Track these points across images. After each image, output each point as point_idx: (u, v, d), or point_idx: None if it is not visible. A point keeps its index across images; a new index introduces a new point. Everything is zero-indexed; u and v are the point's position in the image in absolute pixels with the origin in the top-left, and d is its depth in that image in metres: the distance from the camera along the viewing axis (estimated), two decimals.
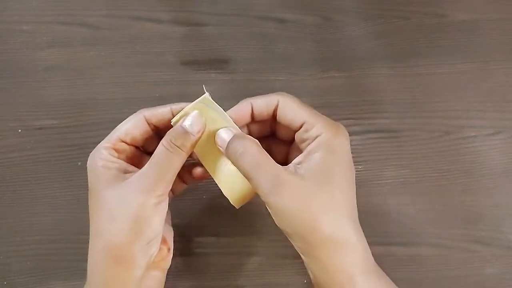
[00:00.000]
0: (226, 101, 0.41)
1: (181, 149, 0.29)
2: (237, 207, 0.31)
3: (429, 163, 0.41)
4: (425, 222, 0.40)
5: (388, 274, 0.39)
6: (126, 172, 0.30)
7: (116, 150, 0.31)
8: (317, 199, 0.27)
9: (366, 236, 0.40)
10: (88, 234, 0.39)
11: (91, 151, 0.39)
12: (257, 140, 0.29)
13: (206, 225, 0.40)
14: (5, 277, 0.38)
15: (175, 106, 0.31)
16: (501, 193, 0.41)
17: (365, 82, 0.44)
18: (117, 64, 0.44)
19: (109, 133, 0.42)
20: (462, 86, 0.44)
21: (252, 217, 0.40)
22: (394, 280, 0.37)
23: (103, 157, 0.30)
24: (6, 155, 0.41)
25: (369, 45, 0.45)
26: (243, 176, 0.29)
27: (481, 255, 0.39)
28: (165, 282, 0.37)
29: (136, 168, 0.30)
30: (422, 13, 0.46)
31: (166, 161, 0.28)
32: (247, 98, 0.31)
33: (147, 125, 0.31)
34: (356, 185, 0.41)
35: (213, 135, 0.30)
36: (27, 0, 0.46)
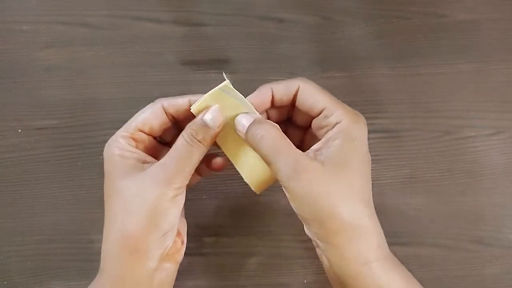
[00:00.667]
0: None
1: (201, 143, 0.29)
2: (257, 193, 0.32)
3: (429, 163, 0.41)
4: (425, 222, 0.40)
5: None
6: (144, 162, 0.29)
7: (134, 140, 0.30)
8: (337, 186, 0.27)
9: None
10: (88, 234, 0.39)
11: (91, 151, 0.39)
12: (277, 125, 0.29)
13: (206, 225, 0.40)
14: (5, 277, 0.38)
15: (194, 98, 0.30)
16: (501, 193, 0.41)
17: (365, 82, 0.44)
18: (117, 64, 0.44)
19: (110, 133, 0.42)
20: (462, 86, 0.44)
21: (252, 217, 0.40)
22: None
23: (121, 146, 0.29)
24: (6, 155, 0.41)
25: (369, 45, 0.45)
26: (262, 162, 0.29)
27: (481, 255, 0.39)
28: None
29: (153, 159, 0.30)
30: (422, 13, 0.46)
31: (186, 154, 0.28)
32: (267, 84, 0.31)
33: (165, 115, 0.31)
34: None
35: (233, 122, 0.30)
36: (27, 0, 0.46)
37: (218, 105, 0.30)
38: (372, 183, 0.40)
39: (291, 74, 0.44)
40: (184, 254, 0.38)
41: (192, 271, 0.38)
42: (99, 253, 0.39)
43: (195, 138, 0.28)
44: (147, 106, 0.31)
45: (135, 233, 0.27)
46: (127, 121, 0.42)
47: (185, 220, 0.34)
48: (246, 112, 0.30)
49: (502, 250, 0.39)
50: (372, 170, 0.41)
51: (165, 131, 0.32)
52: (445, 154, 0.42)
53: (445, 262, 0.39)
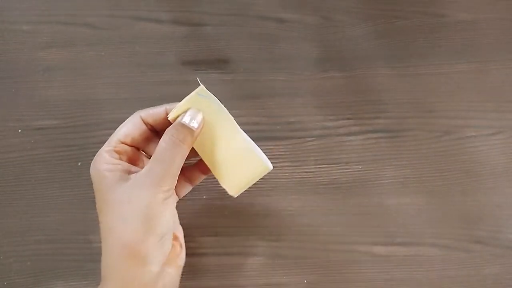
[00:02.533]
0: (226, 101, 0.41)
1: (182, 144, 0.29)
2: (234, 196, 0.32)
3: (429, 163, 0.41)
4: (425, 222, 0.40)
5: (388, 274, 0.39)
6: (129, 172, 0.30)
7: (117, 152, 0.31)
8: None
9: (366, 236, 0.40)
10: (88, 234, 0.39)
11: (91, 151, 0.39)
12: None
13: (206, 225, 0.40)
14: (5, 277, 0.38)
15: (170, 106, 0.31)
16: (501, 193, 0.41)
17: (365, 82, 0.44)
18: (117, 64, 0.44)
19: (109, 133, 0.42)
20: (462, 86, 0.44)
21: (252, 217, 0.40)
22: (394, 280, 0.37)
23: (106, 161, 0.30)
24: (6, 155, 0.41)
25: (369, 45, 0.45)
26: (238, 166, 0.30)
27: (481, 255, 0.39)
28: None
29: (138, 168, 0.31)
30: (422, 13, 0.46)
31: (169, 156, 0.29)
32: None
33: (145, 125, 0.32)
34: (356, 185, 0.41)
35: (209, 126, 0.31)
36: (27, 0, 0.46)
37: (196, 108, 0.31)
38: (372, 183, 0.41)
39: (291, 74, 0.44)
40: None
41: (192, 271, 0.38)
42: (99, 253, 0.39)
43: (177, 139, 0.29)
44: (127, 120, 0.32)
45: (133, 240, 0.28)
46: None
47: (180, 226, 0.35)
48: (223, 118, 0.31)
49: (502, 250, 0.39)
50: (372, 170, 0.41)
51: (146, 140, 0.32)
52: (445, 154, 0.42)
53: (445, 262, 0.39)
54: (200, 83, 0.31)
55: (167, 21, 0.46)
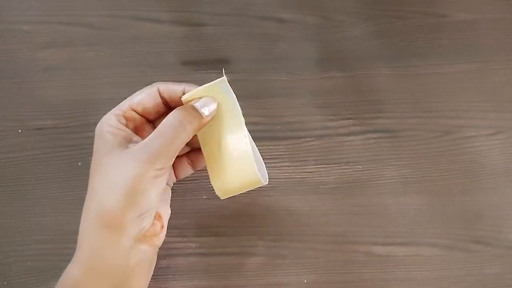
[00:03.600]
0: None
1: (188, 126, 0.29)
2: (221, 198, 0.31)
3: (429, 163, 0.41)
4: (425, 222, 0.40)
5: (388, 274, 0.39)
6: (131, 141, 0.30)
7: (126, 118, 0.31)
8: None
9: (366, 236, 0.40)
10: None
11: (91, 151, 0.39)
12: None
13: (206, 225, 0.40)
14: (5, 277, 0.38)
15: (188, 87, 0.31)
16: (501, 193, 0.41)
17: (365, 82, 0.44)
18: (117, 64, 0.44)
19: None
20: (462, 86, 0.44)
21: (252, 217, 0.40)
22: (394, 280, 0.37)
23: (111, 123, 0.30)
24: (6, 155, 0.41)
25: (369, 45, 0.45)
26: (234, 169, 0.30)
27: (481, 255, 0.39)
28: (164, 283, 0.37)
29: (140, 139, 0.30)
30: (422, 13, 0.46)
31: (170, 134, 0.28)
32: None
33: (160, 98, 0.31)
34: (356, 185, 0.41)
35: (218, 120, 0.30)
36: (27, 0, 0.46)
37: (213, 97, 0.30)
38: (372, 183, 0.41)
39: (291, 74, 0.44)
40: (184, 254, 0.38)
41: (192, 271, 0.38)
42: None
43: (183, 120, 0.28)
44: (143, 88, 0.32)
45: (112, 209, 0.28)
46: None
47: (169, 208, 0.34)
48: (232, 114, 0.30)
49: (502, 250, 0.39)
50: (372, 170, 0.41)
51: (157, 113, 0.32)
52: (445, 154, 0.42)
53: (445, 262, 0.39)
54: (224, 75, 0.30)
55: (167, 21, 0.46)
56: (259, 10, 0.46)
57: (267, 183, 0.31)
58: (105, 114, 0.42)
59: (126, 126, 0.31)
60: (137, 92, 0.32)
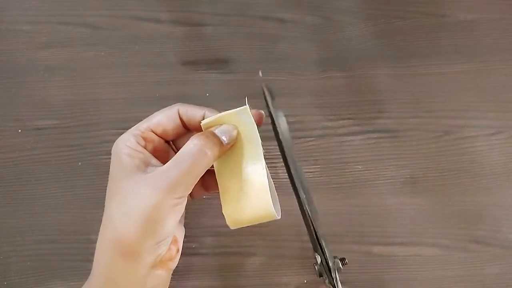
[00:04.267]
0: (226, 101, 0.41)
1: (208, 154, 0.27)
2: (231, 228, 0.30)
3: (429, 163, 0.41)
4: (425, 222, 0.40)
5: (388, 274, 0.39)
6: (149, 164, 0.29)
7: (144, 139, 0.30)
8: None
9: (366, 236, 0.40)
10: (89, 234, 0.39)
11: (91, 151, 0.39)
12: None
13: (206, 225, 0.40)
14: (5, 277, 0.38)
15: (209, 113, 0.30)
16: (501, 193, 0.41)
17: (365, 82, 0.44)
18: (117, 64, 0.44)
19: (110, 133, 0.42)
20: (462, 86, 0.44)
21: None
22: (394, 280, 0.37)
23: (130, 145, 0.29)
24: (6, 155, 0.41)
25: (369, 45, 0.45)
26: (248, 201, 0.28)
27: (481, 255, 0.39)
28: None
29: (159, 162, 0.29)
30: (422, 13, 0.46)
31: (190, 162, 0.27)
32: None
33: (180, 120, 0.30)
34: (356, 185, 0.41)
35: (235, 148, 0.30)
36: (27, 0, 0.46)
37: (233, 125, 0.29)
38: (372, 183, 0.41)
39: (291, 74, 0.44)
40: (184, 254, 0.38)
41: (192, 271, 0.38)
42: None
43: (204, 148, 0.27)
44: (163, 109, 0.31)
45: (129, 237, 0.27)
46: (127, 121, 0.42)
47: (183, 228, 0.34)
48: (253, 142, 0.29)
49: (502, 250, 0.39)
50: (372, 170, 0.41)
51: (177, 135, 0.31)
52: (445, 154, 0.42)
53: (445, 262, 0.39)
54: (247, 103, 0.29)
55: (167, 21, 0.46)
56: (259, 10, 0.46)
57: (279, 217, 0.30)
58: (105, 113, 0.42)
59: (145, 147, 0.30)
60: (156, 113, 0.31)
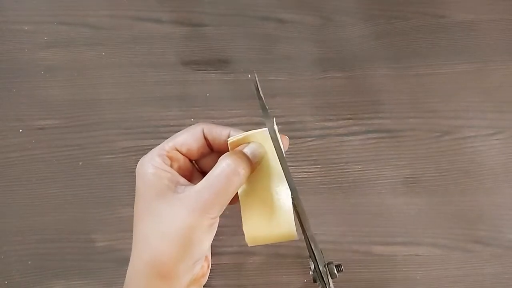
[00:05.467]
0: (226, 101, 0.41)
1: (240, 174, 0.27)
2: (249, 245, 0.30)
3: (429, 163, 0.41)
4: (425, 222, 0.40)
5: (388, 274, 0.39)
6: (178, 183, 0.28)
7: (170, 158, 0.29)
8: None
9: (366, 236, 0.40)
10: (89, 233, 0.39)
11: (91, 151, 0.39)
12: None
13: None
14: (6, 277, 0.38)
15: (234, 132, 0.30)
16: (501, 193, 0.41)
17: (365, 82, 0.44)
18: (118, 64, 0.44)
19: (110, 133, 0.42)
20: (462, 86, 0.44)
21: None
22: (394, 280, 0.37)
23: (156, 164, 0.28)
24: (7, 155, 0.41)
25: (369, 45, 0.45)
26: (269, 219, 0.28)
27: (481, 255, 0.39)
28: None
29: (187, 181, 0.29)
30: (421, 14, 0.46)
31: (224, 184, 0.27)
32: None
33: (204, 140, 0.30)
34: (355, 185, 0.41)
35: (261, 167, 0.29)
36: (28, 0, 0.46)
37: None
38: (372, 183, 0.41)
39: (291, 74, 0.44)
40: None
41: None
42: (99, 253, 0.39)
43: (236, 168, 0.27)
44: (187, 128, 0.30)
45: (167, 259, 0.27)
46: (128, 121, 0.43)
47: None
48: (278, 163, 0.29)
49: (502, 250, 0.39)
50: (372, 170, 0.41)
51: (201, 155, 0.31)
52: (445, 154, 0.42)
53: (445, 262, 0.39)
54: (275, 124, 0.29)
55: (167, 21, 0.46)
56: (259, 10, 0.46)
57: (297, 237, 0.30)
58: (105, 113, 0.42)
59: (171, 166, 0.29)
60: (179, 132, 0.30)
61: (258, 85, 0.28)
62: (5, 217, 0.40)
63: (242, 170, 0.27)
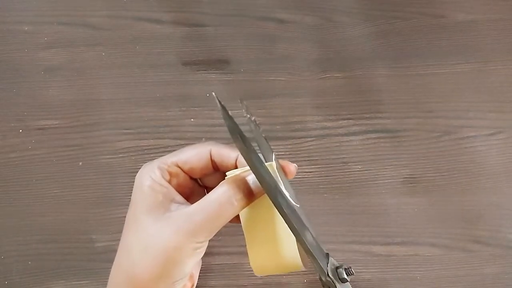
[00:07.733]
0: (226, 101, 0.41)
1: (236, 203, 0.27)
2: (257, 275, 0.30)
3: (429, 163, 0.41)
4: (425, 222, 0.40)
5: (388, 274, 0.39)
6: (172, 200, 0.28)
7: (170, 173, 0.29)
8: None
9: (366, 236, 0.40)
10: (89, 234, 0.39)
11: (91, 151, 0.39)
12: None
13: None
14: (6, 277, 0.38)
15: (242, 159, 0.29)
16: (501, 193, 0.41)
17: (365, 82, 0.44)
18: (118, 65, 0.44)
19: (110, 133, 0.42)
20: (462, 86, 0.44)
21: None
22: (394, 280, 0.37)
23: (154, 177, 0.28)
24: (7, 155, 0.41)
25: (369, 45, 0.45)
26: (274, 250, 0.28)
27: (481, 255, 0.39)
28: None
29: (183, 199, 0.29)
30: (421, 14, 0.46)
31: (217, 211, 0.26)
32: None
33: (210, 161, 0.29)
34: (356, 185, 0.41)
35: (266, 197, 0.28)
36: (28, 0, 0.46)
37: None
38: (372, 183, 0.41)
39: (291, 74, 0.44)
40: None
41: None
42: (99, 253, 0.39)
43: (232, 197, 0.26)
44: (195, 145, 0.30)
45: (145, 275, 0.26)
46: (128, 121, 0.43)
47: (200, 261, 0.33)
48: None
49: (502, 250, 0.39)
50: (372, 170, 0.41)
51: (204, 175, 0.30)
52: (444, 154, 0.42)
53: (445, 262, 0.39)
54: (273, 160, 0.28)
55: (167, 22, 0.46)
56: (259, 11, 0.46)
57: (306, 268, 0.30)
58: (105, 113, 0.42)
59: (169, 181, 0.29)
60: (186, 148, 0.29)
61: (221, 103, 0.26)
62: (5, 217, 0.40)
63: (236, 202, 0.27)
